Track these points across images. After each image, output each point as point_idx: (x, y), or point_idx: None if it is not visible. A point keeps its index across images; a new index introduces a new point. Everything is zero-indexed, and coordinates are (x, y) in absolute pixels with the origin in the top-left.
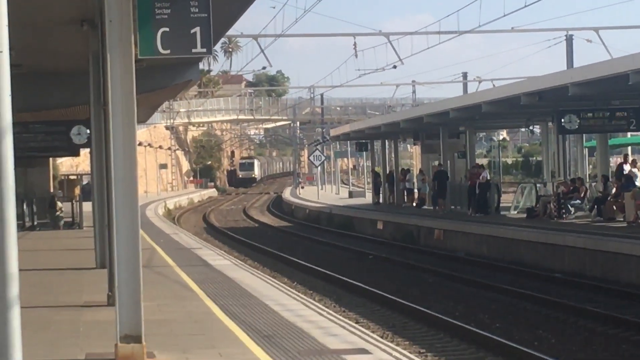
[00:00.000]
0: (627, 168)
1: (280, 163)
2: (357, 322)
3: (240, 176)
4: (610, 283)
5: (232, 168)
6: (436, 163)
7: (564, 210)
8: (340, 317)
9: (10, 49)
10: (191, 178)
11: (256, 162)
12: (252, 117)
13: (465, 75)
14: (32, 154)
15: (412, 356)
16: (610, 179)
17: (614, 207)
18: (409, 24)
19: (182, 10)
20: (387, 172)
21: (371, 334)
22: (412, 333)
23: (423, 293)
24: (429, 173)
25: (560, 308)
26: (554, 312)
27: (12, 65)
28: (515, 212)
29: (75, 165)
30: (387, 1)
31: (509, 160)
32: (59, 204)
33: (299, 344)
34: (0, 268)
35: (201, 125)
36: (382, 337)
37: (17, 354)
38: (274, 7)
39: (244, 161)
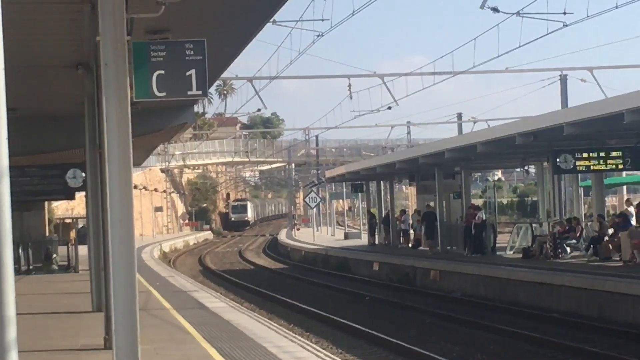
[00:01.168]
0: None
1: (275, 205)
2: None
3: (233, 219)
4: (607, 323)
5: (225, 211)
6: (432, 203)
7: (560, 250)
8: (338, 359)
9: None
10: (186, 221)
11: (249, 205)
12: (247, 159)
13: (460, 115)
14: (27, 197)
15: None
16: (606, 219)
17: (610, 247)
18: (403, 65)
19: (177, 53)
20: (384, 213)
21: None
22: None
23: (420, 334)
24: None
25: (557, 348)
26: (552, 351)
27: (7, 109)
28: (512, 252)
29: (71, 208)
30: (382, 43)
31: (505, 201)
32: (55, 256)
33: None
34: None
35: (196, 167)
36: None
37: None
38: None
39: (236, 204)
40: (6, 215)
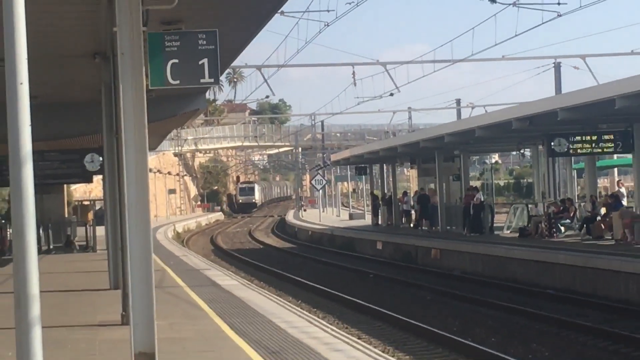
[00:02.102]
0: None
1: (283, 187)
2: (359, 338)
3: (241, 201)
4: (600, 298)
5: (234, 193)
6: (432, 185)
7: (554, 230)
8: (344, 334)
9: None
10: (199, 202)
11: (257, 187)
12: (256, 144)
13: (458, 101)
14: (47, 181)
15: None
16: (598, 200)
17: (603, 226)
18: (405, 54)
19: (190, 43)
20: (387, 195)
21: (373, 349)
22: (412, 348)
23: (422, 310)
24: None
25: (552, 323)
26: (547, 326)
27: (29, 97)
28: (508, 231)
29: (89, 191)
30: (385, 32)
31: (502, 183)
32: (74, 239)
33: (306, 359)
34: (22, 290)
35: (208, 152)
36: (383, 352)
37: None
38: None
39: (244, 186)
40: (30, 198)
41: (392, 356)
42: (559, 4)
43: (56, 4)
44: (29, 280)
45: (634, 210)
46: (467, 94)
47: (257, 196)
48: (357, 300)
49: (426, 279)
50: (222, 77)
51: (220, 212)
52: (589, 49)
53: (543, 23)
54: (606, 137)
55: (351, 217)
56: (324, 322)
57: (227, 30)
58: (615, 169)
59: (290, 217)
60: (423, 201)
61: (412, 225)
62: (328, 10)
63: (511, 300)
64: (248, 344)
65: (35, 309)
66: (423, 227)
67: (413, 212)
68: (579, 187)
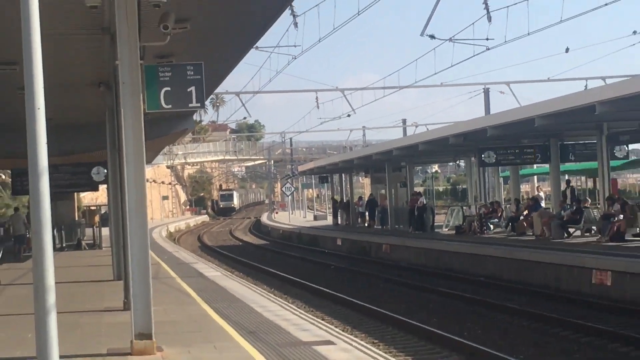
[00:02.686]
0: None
1: (257, 193)
2: (323, 319)
3: (222, 206)
4: (523, 285)
5: (216, 199)
6: (383, 191)
7: (485, 227)
8: (310, 316)
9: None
10: (187, 207)
11: (235, 194)
12: (235, 157)
13: (404, 121)
14: (61, 190)
15: (367, 346)
16: (521, 202)
17: (525, 224)
18: (359, 82)
19: (180, 73)
20: (345, 199)
21: (335, 329)
22: (367, 327)
23: (375, 295)
24: (378, 200)
25: (483, 305)
26: (479, 308)
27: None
28: (447, 229)
29: (95, 198)
30: (342, 63)
31: (441, 188)
32: (84, 244)
33: (278, 338)
34: (40, 281)
35: (195, 164)
36: (343, 331)
37: (54, 351)
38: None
39: (224, 193)
40: (46, 204)
41: (350, 334)
42: (487, 39)
43: (67, 41)
44: (46, 273)
45: (550, 211)
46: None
47: (236, 201)
48: (321, 288)
49: (378, 270)
50: (207, 102)
51: (206, 215)
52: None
53: (474, 55)
54: (527, 150)
55: (315, 218)
56: (293, 307)
57: (211, 62)
58: (535, 177)
59: (264, 218)
60: (371, 205)
61: (366, 224)
62: (295, 46)
63: (449, 286)
64: (230, 325)
65: (51, 298)
66: (376, 226)
67: (367, 213)
68: (505, 192)
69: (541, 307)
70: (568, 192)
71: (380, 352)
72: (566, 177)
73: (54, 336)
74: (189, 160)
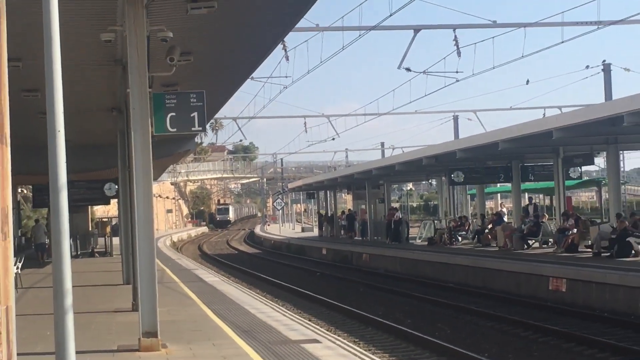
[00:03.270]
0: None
1: (252, 207)
2: (310, 320)
3: (218, 219)
4: (487, 290)
5: (212, 212)
6: (363, 206)
7: (454, 239)
8: (298, 317)
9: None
10: (189, 219)
11: (231, 208)
12: (232, 175)
13: (382, 144)
14: (77, 203)
15: (349, 344)
16: (486, 217)
17: (489, 237)
18: (343, 109)
19: (184, 100)
20: (329, 213)
21: (320, 329)
22: (349, 327)
23: (356, 299)
24: (358, 214)
25: (453, 308)
26: (449, 311)
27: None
28: (420, 240)
29: (107, 211)
30: (328, 92)
31: (414, 204)
32: (97, 255)
33: (270, 336)
34: (59, 285)
35: (196, 181)
36: (328, 331)
37: (71, 347)
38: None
39: (221, 207)
40: (64, 216)
41: (334, 334)
42: (457, 72)
43: (84, 71)
44: (64, 278)
45: (512, 225)
46: (389, 138)
47: (231, 214)
48: (308, 292)
49: (359, 276)
50: (207, 126)
51: (206, 227)
52: (479, 105)
53: (445, 86)
54: (492, 170)
55: (303, 230)
56: (283, 309)
57: (211, 91)
58: (499, 194)
59: (257, 230)
60: (350, 219)
61: (347, 236)
62: (286, 76)
63: (422, 292)
64: (227, 324)
65: (68, 299)
66: (356, 237)
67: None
68: (471, 208)
69: (504, 311)
70: (531, 209)
71: (361, 350)
72: (526, 195)
73: (71, 334)
74: (190, 178)
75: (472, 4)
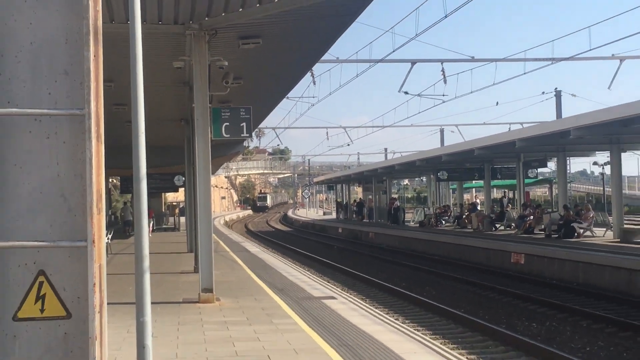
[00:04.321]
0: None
1: (285, 196)
2: (328, 282)
3: (258, 205)
4: (464, 262)
5: (254, 199)
6: (370, 196)
7: (439, 222)
8: (320, 279)
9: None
10: (238, 205)
11: (268, 196)
12: (271, 171)
13: (386, 149)
14: (153, 191)
15: (358, 300)
16: (464, 206)
17: (466, 221)
18: (356, 121)
19: (236, 114)
20: (345, 202)
21: (336, 289)
22: (358, 288)
23: (363, 266)
24: (366, 202)
25: (438, 275)
26: (435, 277)
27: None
28: (413, 223)
29: (176, 197)
30: (345, 108)
31: (409, 195)
32: (166, 224)
33: (298, 293)
34: (139, 251)
35: (243, 175)
36: (342, 290)
37: (148, 299)
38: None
39: (260, 195)
40: (144, 201)
41: (347, 292)
42: (443, 95)
43: (160, 90)
44: (143, 246)
45: (484, 212)
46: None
47: (269, 201)
48: (327, 261)
49: (366, 249)
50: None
51: (250, 210)
52: (460, 121)
53: (434, 106)
54: (469, 170)
55: (324, 214)
56: (309, 273)
57: (256, 107)
58: (474, 189)
59: (290, 213)
60: (359, 206)
61: (357, 218)
62: (313, 97)
63: (414, 262)
64: (265, 284)
65: (146, 263)
66: (364, 220)
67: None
68: (452, 199)
69: (477, 278)
70: (505, 200)
71: (366, 305)
72: (494, 190)
73: (147, 289)
74: (239, 173)
75: (456, 43)
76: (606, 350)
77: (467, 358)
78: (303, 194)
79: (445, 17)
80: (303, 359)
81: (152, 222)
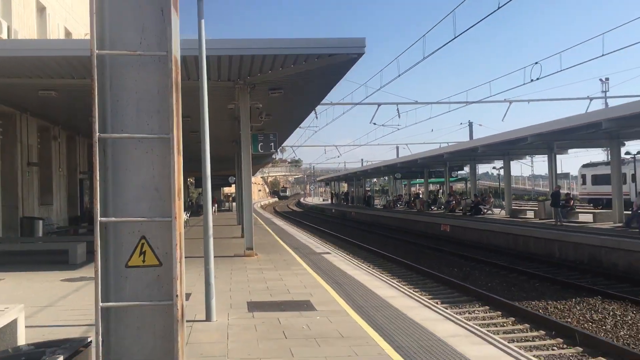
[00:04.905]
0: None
1: (298, 189)
2: (325, 243)
3: (281, 195)
4: (409, 230)
5: (278, 191)
6: (352, 189)
7: (395, 206)
8: (320, 241)
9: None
10: (268, 195)
11: (288, 189)
12: (289, 173)
13: (362, 160)
14: (214, 186)
15: (346, 255)
16: (411, 195)
17: (413, 204)
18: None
19: (267, 137)
20: (337, 192)
21: (331, 247)
22: (344, 247)
23: (349, 234)
24: (350, 193)
25: (394, 239)
26: (392, 240)
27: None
28: (379, 206)
29: (230, 190)
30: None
31: (377, 188)
32: (216, 208)
33: (306, 250)
34: (206, 223)
35: (272, 176)
36: (334, 248)
37: (211, 253)
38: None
39: (282, 188)
40: (209, 192)
41: (337, 249)
42: (398, 125)
43: (219, 121)
44: (209, 220)
45: (423, 199)
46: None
47: (288, 192)
48: (325, 230)
49: (350, 223)
50: (278, 150)
51: (276, 198)
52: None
53: (392, 132)
54: (415, 173)
55: (323, 200)
56: (314, 238)
57: (280, 132)
58: (417, 184)
59: (302, 200)
60: (346, 195)
61: (347, 204)
62: (316, 126)
63: (377, 230)
64: (286, 244)
65: (210, 231)
66: (349, 204)
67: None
68: (404, 190)
69: (420, 240)
70: (445, 188)
71: (350, 257)
72: (430, 185)
73: (211, 247)
74: (270, 174)
75: (406, 91)
76: (500, 285)
77: (412, 289)
78: (309, 187)
79: (399, 76)
80: (310, 291)
81: (215, 206)
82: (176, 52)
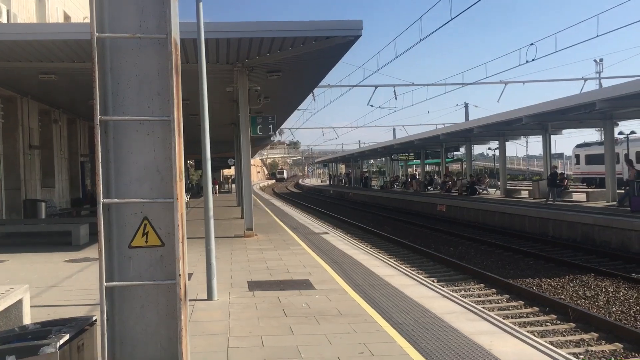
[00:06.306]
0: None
1: (296, 171)
2: (324, 223)
3: (278, 177)
4: (408, 210)
5: (274, 172)
6: (350, 170)
7: (392, 186)
8: (318, 221)
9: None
10: (267, 177)
11: (285, 171)
12: (288, 155)
13: (359, 141)
14: (214, 167)
15: (344, 234)
16: (408, 176)
17: (410, 185)
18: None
19: (266, 120)
20: (335, 174)
21: (329, 227)
22: (342, 227)
23: (347, 214)
24: (348, 174)
25: (392, 219)
26: (391, 220)
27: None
28: (377, 187)
29: (230, 172)
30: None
31: (374, 169)
32: (217, 191)
33: (305, 230)
34: (207, 204)
35: (270, 158)
36: (332, 228)
37: (212, 234)
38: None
39: (280, 170)
40: (209, 174)
41: (336, 229)
42: (395, 107)
43: (218, 104)
44: (209, 202)
45: (419, 179)
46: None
47: (285, 175)
48: (323, 210)
49: (347, 204)
50: (276, 132)
51: (274, 180)
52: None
53: (389, 114)
54: (411, 154)
55: (321, 182)
56: (312, 218)
57: (278, 115)
58: (414, 165)
59: (300, 182)
60: (347, 176)
61: (345, 185)
62: (314, 109)
63: (376, 210)
64: (285, 225)
65: (211, 212)
66: (346, 185)
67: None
68: (401, 171)
69: (416, 220)
70: (442, 169)
71: (348, 237)
72: (427, 166)
73: (212, 228)
74: (268, 156)
75: (403, 73)
76: (495, 263)
77: (409, 268)
78: (308, 169)
79: (396, 57)
80: (309, 271)
81: (216, 187)
82: (175, 34)
